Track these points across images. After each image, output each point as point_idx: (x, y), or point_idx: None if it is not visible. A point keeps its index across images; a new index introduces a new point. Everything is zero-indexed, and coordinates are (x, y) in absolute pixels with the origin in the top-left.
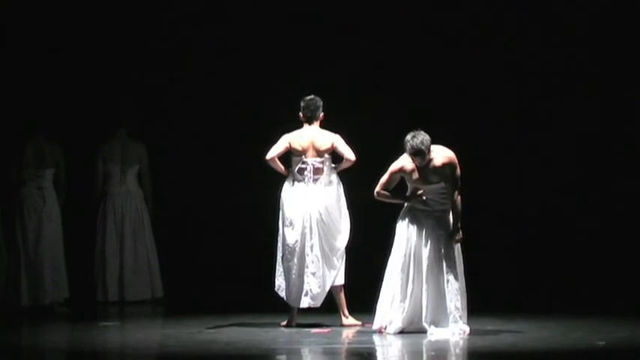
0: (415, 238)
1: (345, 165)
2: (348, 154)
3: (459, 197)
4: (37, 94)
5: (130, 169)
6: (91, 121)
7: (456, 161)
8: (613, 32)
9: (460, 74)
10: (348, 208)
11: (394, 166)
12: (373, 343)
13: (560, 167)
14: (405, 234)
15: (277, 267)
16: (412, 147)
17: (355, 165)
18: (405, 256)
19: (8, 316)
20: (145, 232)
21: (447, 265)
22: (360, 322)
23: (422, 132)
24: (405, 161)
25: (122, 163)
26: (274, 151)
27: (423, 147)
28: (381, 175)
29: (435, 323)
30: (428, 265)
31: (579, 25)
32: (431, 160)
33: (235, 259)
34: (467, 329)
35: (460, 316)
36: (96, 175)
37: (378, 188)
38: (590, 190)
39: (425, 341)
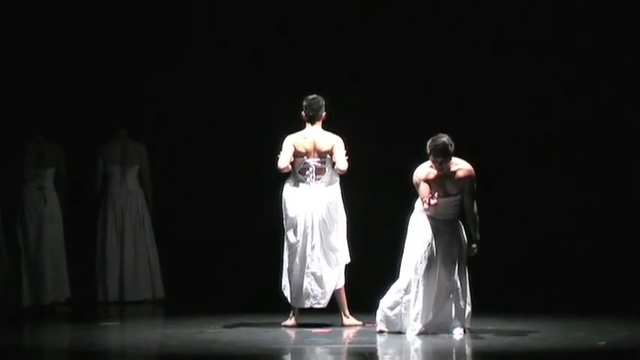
0: (429, 241)
1: (335, 171)
2: (340, 162)
3: (476, 209)
4: (37, 94)
5: (131, 169)
6: (91, 121)
7: (474, 175)
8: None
9: (466, 80)
10: (345, 209)
11: (420, 175)
12: (374, 343)
13: (561, 170)
14: (419, 236)
15: (283, 266)
16: (437, 144)
17: (349, 171)
18: (420, 257)
19: (9, 316)
20: (145, 232)
21: (458, 271)
22: (360, 322)
23: (444, 134)
24: (425, 169)
25: (122, 163)
26: (286, 159)
27: (449, 144)
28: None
29: (440, 327)
30: (440, 269)
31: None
32: (455, 171)
33: (236, 259)
34: (462, 330)
35: (463, 320)
36: (96, 175)
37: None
38: (591, 190)
39: (426, 341)
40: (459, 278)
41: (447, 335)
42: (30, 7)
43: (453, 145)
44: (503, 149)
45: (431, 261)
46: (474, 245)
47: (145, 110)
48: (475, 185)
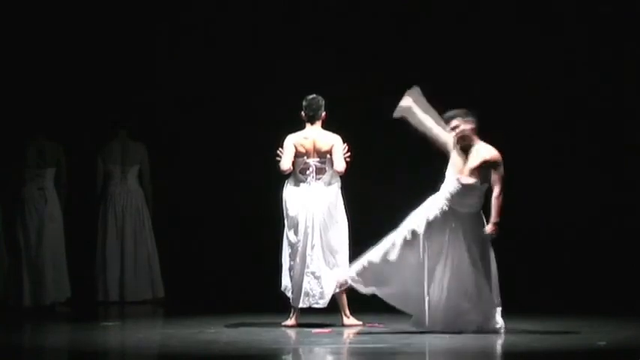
0: (446, 239)
1: (334, 171)
2: (338, 164)
3: (501, 196)
4: (37, 94)
5: (131, 169)
6: (91, 121)
7: (501, 160)
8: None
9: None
10: (346, 208)
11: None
12: (375, 343)
13: (564, 168)
14: (439, 243)
15: (283, 267)
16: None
17: (348, 170)
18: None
19: (10, 316)
20: (145, 232)
21: (481, 268)
22: (361, 323)
23: None
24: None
25: (123, 163)
26: (288, 160)
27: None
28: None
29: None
30: (455, 268)
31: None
32: (477, 150)
33: (236, 258)
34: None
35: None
36: (96, 175)
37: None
38: (591, 189)
39: (426, 341)
40: (483, 278)
41: (447, 336)
42: (31, 7)
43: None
44: (504, 148)
45: (441, 260)
46: (487, 227)
47: (145, 110)
48: (502, 171)
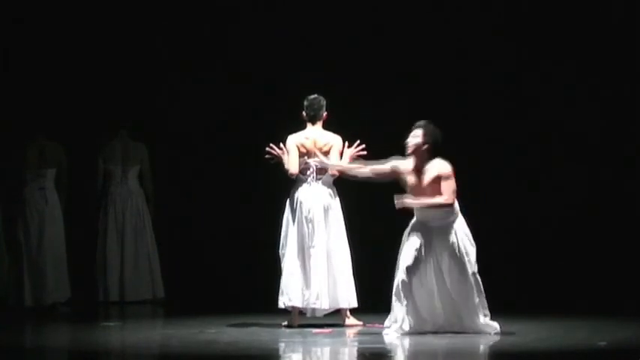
0: (423, 254)
1: (330, 172)
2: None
3: (441, 201)
4: (38, 95)
5: (132, 169)
6: (91, 121)
7: (449, 173)
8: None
9: (466, 73)
10: (346, 210)
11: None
12: (374, 343)
13: (561, 168)
14: (413, 248)
15: (282, 268)
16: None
17: (340, 175)
18: (414, 268)
19: (10, 316)
20: (146, 232)
21: (458, 278)
22: (361, 323)
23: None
24: (405, 161)
25: (123, 163)
26: (294, 163)
27: (424, 122)
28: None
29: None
30: (438, 279)
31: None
32: (427, 170)
33: (237, 258)
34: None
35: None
36: (97, 175)
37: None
38: (591, 189)
39: (426, 342)
40: (464, 286)
41: (447, 336)
42: (31, 8)
43: (433, 128)
44: (503, 147)
45: (416, 265)
46: (403, 198)
47: (145, 110)
48: (449, 184)
